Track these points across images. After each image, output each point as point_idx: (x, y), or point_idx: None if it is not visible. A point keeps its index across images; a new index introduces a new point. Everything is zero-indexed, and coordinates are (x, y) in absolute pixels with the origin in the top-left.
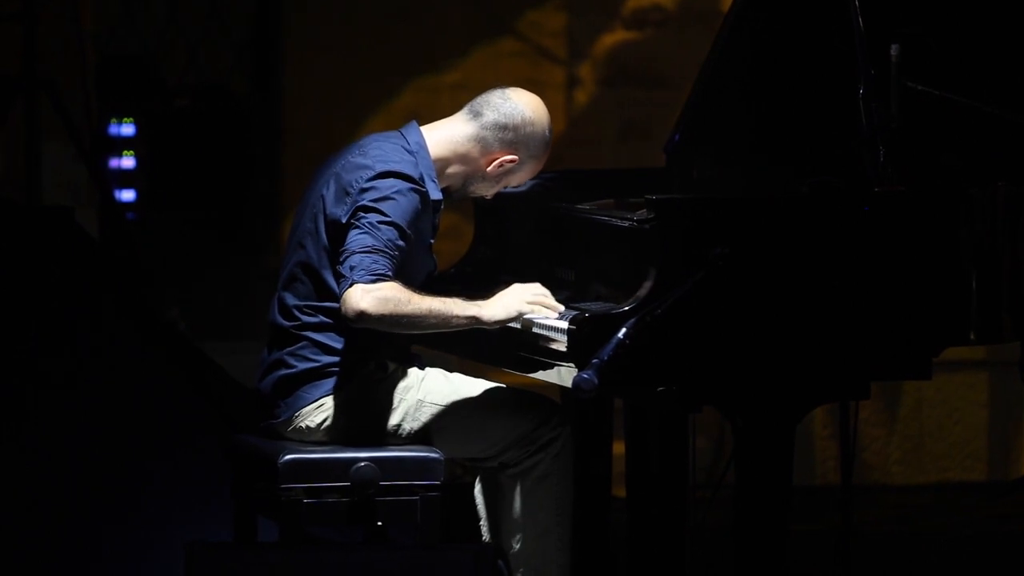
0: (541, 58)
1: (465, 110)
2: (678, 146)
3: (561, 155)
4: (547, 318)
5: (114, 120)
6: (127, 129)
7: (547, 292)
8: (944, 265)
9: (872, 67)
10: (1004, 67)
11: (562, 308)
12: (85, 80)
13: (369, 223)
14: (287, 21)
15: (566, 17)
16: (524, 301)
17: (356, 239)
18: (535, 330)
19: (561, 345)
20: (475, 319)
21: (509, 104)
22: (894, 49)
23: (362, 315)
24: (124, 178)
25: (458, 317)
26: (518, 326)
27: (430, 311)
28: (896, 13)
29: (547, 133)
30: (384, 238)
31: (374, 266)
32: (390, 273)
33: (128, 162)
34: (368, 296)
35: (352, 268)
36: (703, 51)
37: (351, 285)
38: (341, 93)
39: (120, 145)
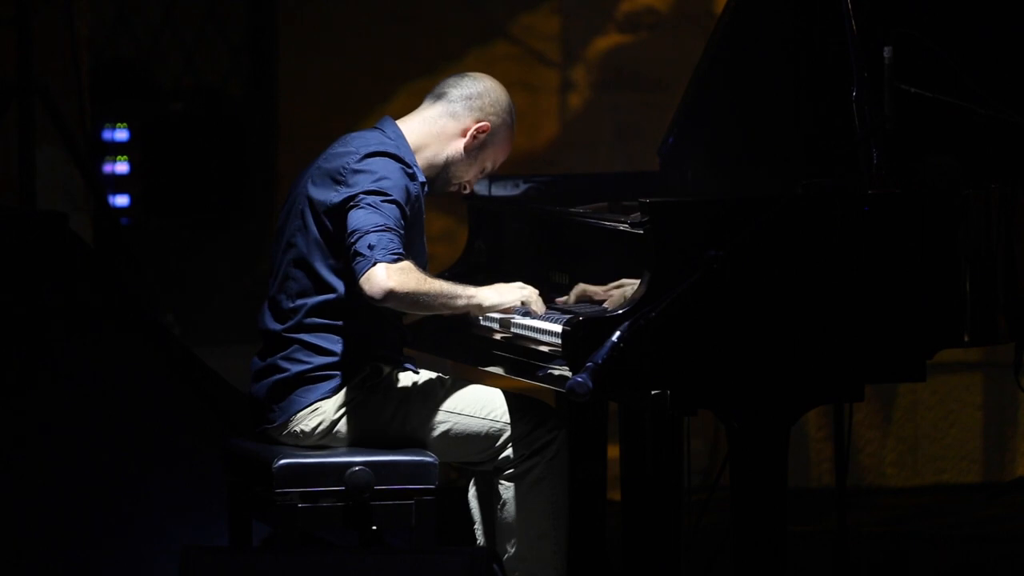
0: (535, 61)
1: (427, 98)
2: (672, 149)
3: (555, 158)
4: (529, 319)
5: (108, 125)
6: (121, 134)
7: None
8: (938, 267)
9: (865, 69)
10: (998, 67)
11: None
12: (80, 85)
13: (372, 203)
14: (282, 24)
15: (560, 20)
16: (519, 292)
17: (365, 218)
18: (513, 330)
19: (544, 346)
20: (472, 299)
21: (468, 78)
22: (887, 51)
23: (390, 293)
24: (118, 183)
25: (460, 297)
26: (496, 325)
27: (441, 291)
28: (890, 14)
29: (511, 101)
30: (391, 215)
31: (391, 244)
32: (404, 252)
33: (122, 167)
34: (394, 274)
35: (371, 247)
36: (696, 54)
37: (374, 264)
38: (336, 96)
39: (114, 150)
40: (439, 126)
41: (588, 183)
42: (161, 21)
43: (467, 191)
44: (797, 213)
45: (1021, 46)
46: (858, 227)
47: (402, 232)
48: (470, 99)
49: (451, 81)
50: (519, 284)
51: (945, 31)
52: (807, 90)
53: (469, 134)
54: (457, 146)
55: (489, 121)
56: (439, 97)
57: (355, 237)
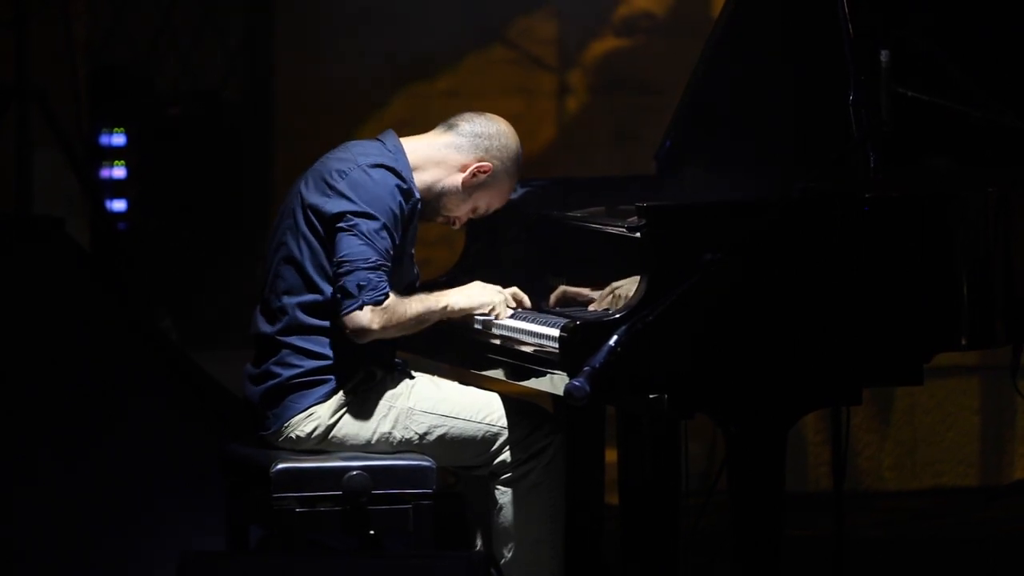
0: (532, 65)
1: (439, 126)
2: (669, 152)
3: (552, 162)
4: (520, 321)
5: (104, 130)
6: (118, 139)
7: (504, 293)
8: (936, 270)
9: (862, 72)
10: (997, 69)
11: (510, 313)
12: (76, 89)
13: (367, 232)
14: (279, 29)
15: (557, 24)
16: (488, 295)
17: (358, 249)
18: (494, 330)
19: (527, 347)
20: (445, 309)
21: (483, 118)
22: (884, 54)
23: (371, 333)
24: (115, 188)
25: (435, 313)
26: (479, 326)
27: (417, 315)
28: (887, 17)
29: (519, 151)
30: (382, 248)
31: (380, 283)
32: (389, 287)
33: (119, 172)
34: (377, 317)
35: (360, 287)
36: (693, 57)
37: (360, 307)
38: (333, 101)
39: (111, 155)
40: (442, 154)
41: (585, 187)
42: (158, 25)
43: (455, 226)
44: (794, 217)
45: (1019, 47)
46: (855, 230)
47: (390, 265)
48: (479, 137)
49: (467, 116)
50: (496, 288)
51: (942, 33)
52: (804, 94)
53: (469, 171)
54: (455, 179)
55: (492, 163)
56: (450, 127)
57: (345, 268)
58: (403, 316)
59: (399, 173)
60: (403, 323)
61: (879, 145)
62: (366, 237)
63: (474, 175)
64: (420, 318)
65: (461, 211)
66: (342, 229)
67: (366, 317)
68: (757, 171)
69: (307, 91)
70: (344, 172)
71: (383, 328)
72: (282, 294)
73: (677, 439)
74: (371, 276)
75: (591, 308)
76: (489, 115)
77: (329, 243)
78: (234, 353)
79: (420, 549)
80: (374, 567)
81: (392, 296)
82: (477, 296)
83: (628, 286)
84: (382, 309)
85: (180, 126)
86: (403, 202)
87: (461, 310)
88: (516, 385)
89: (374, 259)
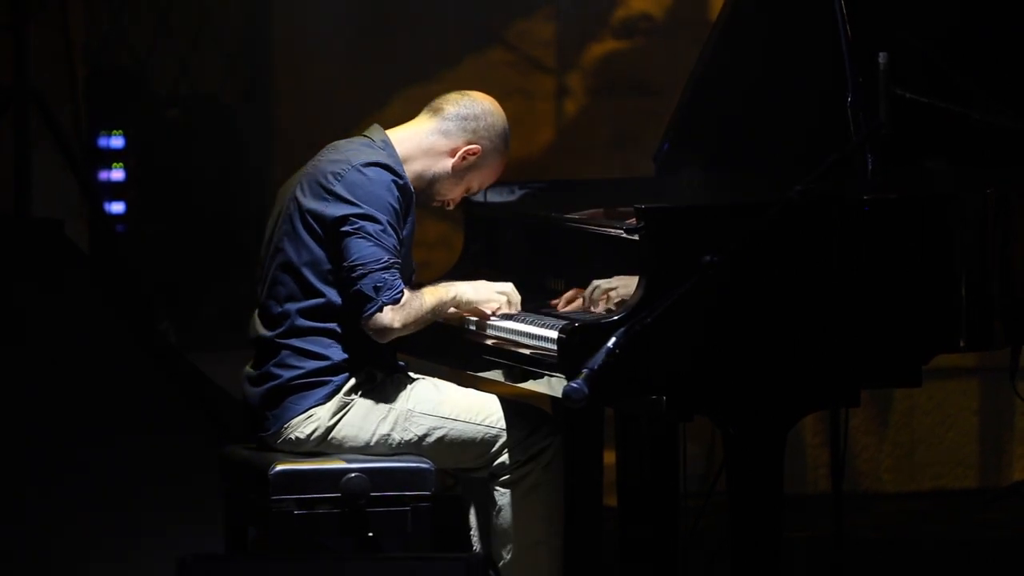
0: (531, 67)
1: (424, 111)
2: (667, 155)
3: (551, 165)
4: (518, 323)
5: (103, 132)
6: (116, 141)
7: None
8: (934, 271)
9: (860, 74)
10: (996, 69)
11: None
12: (75, 91)
13: (373, 233)
14: (277, 31)
15: (555, 26)
16: (494, 293)
17: (367, 251)
18: (489, 331)
19: (526, 349)
20: (455, 298)
21: (467, 98)
22: (882, 57)
23: (394, 331)
24: (114, 190)
25: (445, 302)
26: (473, 327)
27: (432, 307)
28: (885, 19)
29: (506, 127)
30: (390, 245)
31: (395, 282)
32: (403, 284)
33: (118, 174)
34: (398, 315)
35: (377, 289)
36: (692, 59)
37: (381, 308)
38: (332, 103)
39: (109, 157)
40: (429, 142)
41: (584, 189)
42: (156, 28)
43: (450, 207)
44: (792, 219)
45: (1018, 47)
46: (854, 232)
47: (399, 261)
48: (465, 120)
49: (451, 98)
50: (501, 287)
51: (940, 34)
52: (803, 95)
53: (459, 154)
54: (445, 164)
55: (480, 144)
56: (435, 112)
57: (359, 272)
58: (420, 310)
59: (393, 169)
60: (421, 317)
61: (878, 146)
62: (374, 238)
63: (464, 158)
64: (434, 310)
65: (455, 193)
66: (348, 233)
67: (387, 317)
68: (756, 173)
69: (305, 93)
70: (339, 174)
71: (404, 325)
72: (283, 301)
73: (676, 440)
74: (385, 276)
75: (590, 310)
76: (472, 94)
77: (332, 247)
78: (233, 355)
79: (419, 551)
80: (372, 569)
81: (407, 292)
82: (484, 291)
83: (614, 282)
84: (400, 307)
85: (178, 128)
86: (400, 197)
87: (468, 301)
88: (515, 387)
89: (385, 259)
